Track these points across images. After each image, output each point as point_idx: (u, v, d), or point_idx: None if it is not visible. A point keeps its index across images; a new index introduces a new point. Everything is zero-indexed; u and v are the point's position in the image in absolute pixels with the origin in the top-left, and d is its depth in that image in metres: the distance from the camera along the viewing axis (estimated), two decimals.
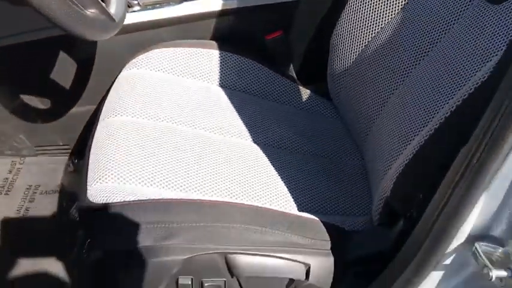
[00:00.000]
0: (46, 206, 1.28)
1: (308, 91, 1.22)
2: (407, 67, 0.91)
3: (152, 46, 1.16)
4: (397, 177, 0.78)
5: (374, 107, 0.99)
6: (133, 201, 0.80)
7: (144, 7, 1.16)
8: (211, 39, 1.21)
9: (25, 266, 1.14)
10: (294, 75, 1.28)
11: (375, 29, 1.03)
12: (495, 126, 0.53)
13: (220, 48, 1.18)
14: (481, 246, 0.62)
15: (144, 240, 0.79)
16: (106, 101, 1.05)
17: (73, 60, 1.23)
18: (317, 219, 0.88)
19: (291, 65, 1.27)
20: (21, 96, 1.28)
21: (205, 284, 0.84)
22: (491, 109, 0.54)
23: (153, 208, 0.81)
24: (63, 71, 1.24)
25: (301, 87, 1.22)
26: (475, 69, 0.71)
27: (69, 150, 1.39)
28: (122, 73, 1.12)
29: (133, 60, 1.14)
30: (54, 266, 1.12)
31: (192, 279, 0.83)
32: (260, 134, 1.07)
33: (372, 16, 1.03)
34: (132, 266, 0.81)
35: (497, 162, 0.54)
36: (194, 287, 0.84)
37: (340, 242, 0.87)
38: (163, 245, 0.79)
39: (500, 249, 0.61)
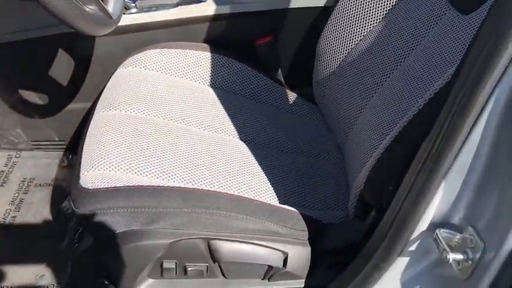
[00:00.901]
0: (40, 198, 1.32)
1: (294, 94, 1.28)
2: (385, 72, 0.97)
3: (147, 46, 1.21)
4: (369, 171, 0.84)
5: (355, 109, 1.05)
6: (121, 186, 0.85)
7: (141, 9, 1.22)
8: (204, 42, 1.27)
9: (18, 254, 1.18)
10: (282, 79, 1.34)
11: (357, 38, 1.09)
12: (451, 118, 0.59)
13: (212, 50, 1.24)
14: (441, 233, 0.67)
15: (131, 224, 0.84)
16: (101, 97, 1.10)
17: (71, 58, 1.28)
18: (297, 211, 0.94)
19: (279, 69, 1.33)
20: (20, 91, 1.34)
21: (189, 269, 0.88)
22: (448, 104, 0.60)
23: (140, 193, 0.85)
24: (61, 68, 1.29)
25: (288, 91, 1.28)
26: (438, 75, 0.78)
27: (64, 146, 1.44)
28: (117, 71, 1.17)
29: (129, 59, 1.19)
30: (46, 254, 1.16)
31: (176, 263, 0.88)
32: (246, 132, 1.12)
33: (354, 26, 1.10)
34: (118, 249, 0.85)
35: (454, 150, 0.60)
36: (178, 271, 0.89)
37: (317, 233, 0.92)
38: (148, 229, 0.84)
39: (458, 235, 0.66)
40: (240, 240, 0.87)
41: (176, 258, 0.87)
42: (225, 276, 0.92)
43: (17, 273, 1.12)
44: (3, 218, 1.26)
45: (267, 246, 0.88)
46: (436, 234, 0.68)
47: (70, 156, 1.44)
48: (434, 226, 0.69)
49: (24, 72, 1.31)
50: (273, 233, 0.88)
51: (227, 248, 0.87)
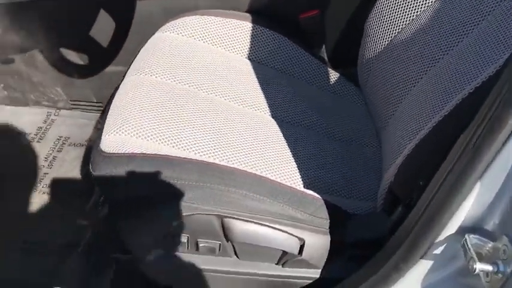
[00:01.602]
0: (72, 157, 1.34)
1: (337, 74, 1.21)
2: (433, 58, 0.88)
3: (187, 12, 1.17)
4: (402, 162, 0.76)
5: (397, 95, 0.97)
6: (138, 153, 0.83)
7: None
8: (246, 12, 1.21)
9: (45, 210, 1.20)
10: (325, 56, 1.26)
11: (409, 17, 1.01)
12: (493, 111, 0.51)
13: (254, 21, 1.18)
14: (471, 239, 0.60)
15: (146, 192, 0.81)
16: (135, 60, 1.08)
17: (112, 20, 1.27)
18: (320, 198, 0.88)
19: (323, 46, 1.25)
20: (61, 50, 1.34)
21: (200, 244, 0.85)
22: (491, 95, 0.52)
23: (158, 163, 0.83)
24: (102, 30, 1.28)
25: (330, 69, 1.20)
26: (488, 64, 0.69)
27: (102, 108, 1.45)
28: (154, 35, 1.14)
29: (167, 24, 1.16)
30: (71, 213, 1.17)
31: (188, 237, 0.85)
32: (279, 109, 1.06)
33: (405, 6, 1.01)
34: (131, 217, 0.83)
35: (493, 149, 0.52)
36: (190, 246, 0.86)
37: (340, 224, 0.86)
38: (165, 198, 0.81)
39: (490, 244, 0.59)
40: (256, 221, 0.82)
41: (188, 233, 0.84)
42: (237, 257, 0.88)
43: (41, 229, 1.14)
44: (34, 174, 1.28)
45: (283, 231, 0.83)
46: (465, 239, 0.60)
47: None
48: (463, 230, 0.61)
49: (67, 31, 1.31)
50: (291, 217, 0.83)
51: (241, 228, 0.83)
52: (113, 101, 0.97)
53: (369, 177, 0.98)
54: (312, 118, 1.08)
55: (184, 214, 0.81)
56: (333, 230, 0.86)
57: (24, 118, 1.44)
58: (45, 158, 1.33)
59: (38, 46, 1.33)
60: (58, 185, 1.26)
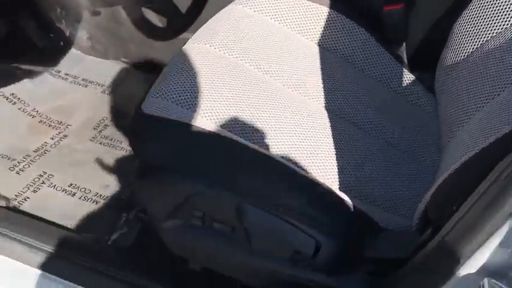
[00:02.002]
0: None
1: (412, 77, 1.10)
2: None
3: None
4: (441, 183, 0.67)
5: (467, 110, 0.86)
6: (171, 119, 0.81)
7: None
8: None
9: (96, 161, 1.24)
10: (403, 56, 1.16)
11: (501, 25, 0.89)
12: None
13: (332, 6, 1.11)
14: (490, 284, 0.51)
15: (172, 159, 0.80)
16: (200, 29, 1.07)
17: None
18: (351, 203, 0.81)
19: (403, 45, 1.15)
20: (144, 10, 1.37)
21: (215, 224, 0.82)
22: None
23: (190, 134, 0.81)
24: None
25: (405, 71, 1.10)
26: None
27: None
28: (227, 7, 1.12)
29: None
30: (119, 166, 1.20)
31: (204, 213, 0.82)
32: (337, 103, 0.99)
33: (501, 11, 0.89)
34: (152, 180, 0.83)
35: None
36: (205, 222, 0.84)
37: (365, 235, 0.79)
38: (185, 169, 0.79)
39: None
40: (273, 212, 0.78)
41: (205, 209, 0.82)
42: (250, 244, 0.84)
43: (88, 176, 1.18)
44: (97, 124, 1.33)
45: (300, 228, 0.77)
46: (483, 284, 0.51)
47: None
48: (484, 272, 0.52)
49: None
50: (312, 217, 0.77)
51: (257, 215, 0.79)
52: (167, 66, 0.97)
53: (411, 193, 0.88)
54: (371, 119, 1.00)
55: (202, 189, 0.79)
56: (357, 240, 0.78)
57: (102, 70, 1.50)
58: (111, 110, 1.38)
59: (123, 2, 1.37)
60: (114, 139, 1.30)
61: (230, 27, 1.05)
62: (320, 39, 1.10)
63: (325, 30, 1.10)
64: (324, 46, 1.09)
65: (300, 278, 0.81)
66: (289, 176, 0.80)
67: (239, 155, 0.81)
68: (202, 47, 1.00)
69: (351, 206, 0.81)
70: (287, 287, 0.84)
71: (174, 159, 0.81)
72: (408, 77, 1.11)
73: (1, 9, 1.33)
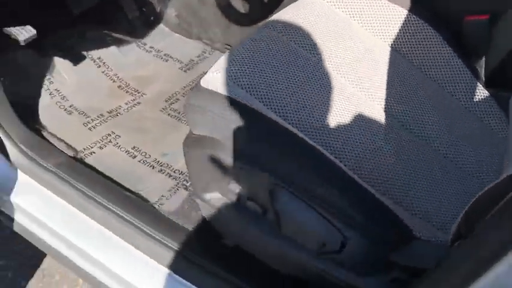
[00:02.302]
0: None
1: (486, 94, 1.05)
2: None
3: None
4: (478, 197, 0.64)
5: None
6: (223, 94, 0.84)
7: None
8: None
9: (165, 135, 1.31)
10: (482, 72, 1.10)
11: None
12: None
13: (411, 9, 1.08)
14: None
15: (213, 131, 0.83)
16: (275, 15, 1.08)
17: None
18: (390, 208, 0.79)
19: (483, 59, 1.09)
20: None
21: (248, 202, 0.84)
22: None
23: (233, 107, 0.83)
24: None
25: (480, 86, 1.05)
26: None
27: None
28: None
29: None
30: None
31: (240, 189, 0.85)
32: (401, 110, 0.96)
33: None
34: (197, 151, 0.86)
35: None
36: (241, 199, 0.86)
37: (397, 241, 0.77)
38: (224, 143, 0.82)
39: None
40: (305, 199, 0.78)
41: (241, 185, 0.84)
42: (280, 229, 0.85)
43: (150, 142, 1.25)
44: (169, 97, 1.40)
45: (330, 221, 0.77)
46: None
47: None
48: None
49: None
50: (346, 214, 0.77)
51: (288, 200, 0.79)
52: (235, 46, 1.00)
53: (457, 210, 0.84)
54: (433, 131, 0.96)
55: (241, 165, 0.81)
56: (387, 244, 0.77)
57: (184, 48, 1.57)
58: (184, 86, 1.45)
59: None
60: (182, 113, 1.36)
61: (302, 17, 1.05)
62: (394, 41, 1.07)
63: (401, 33, 1.08)
64: (397, 49, 1.07)
65: (322, 271, 0.81)
66: (330, 170, 0.80)
67: (283, 140, 0.82)
68: (271, 32, 1.02)
69: (389, 210, 0.79)
70: (309, 277, 0.84)
71: (219, 133, 0.84)
72: (483, 93, 1.05)
73: None
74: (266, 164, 0.80)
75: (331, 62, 0.98)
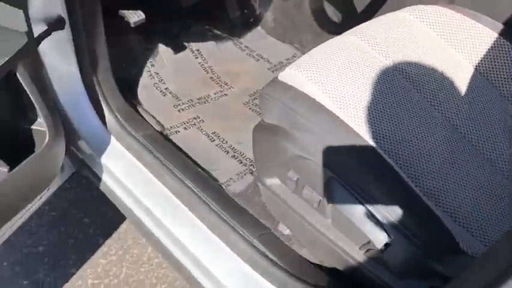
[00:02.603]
0: None
1: None
2: None
3: (438, 3, 1.14)
4: None
5: None
6: (294, 87, 0.90)
7: None
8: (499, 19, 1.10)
9: (238, 121, 1.40)
10: None
11: None
12: None
13: (504, 35, 1.07)
14: None
15: (281, 120, 0.90)
16: (364, 24, 1.11)
17: None
18: (440, 217, 0.80)
19: None
20: (325, 3, 1.48)
21: (304, 190, 0.90)
22: None
23: (303, 102, 0.88)
24: None
25: None
26: None
27: None
28: (394, 12, 1.16)
29: (412, 7, 1.15)
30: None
31: (298, 178, 0.90)
32: (476, 132, 0.95)
33: None
34: (263, 137, 0.93)
35: None
36: (297, 187, 0.92)
37: (442, 251, 0.78)
38: (290, 132, 0.88)
39: None
40: (358, 197, 0.82)
41: (299, 174, 0.90)
42: (331, 221, 0.89)
43: (229, 130, 1.35)
44: (254, 93, 1.50)
45: (378, 221, 0.80)
46: None
47: None
48: None
49: None
50: (393, 214, 0.79)
51: (343, 196, 0.84)
52: (318, 47, 1.05)
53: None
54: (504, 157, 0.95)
55: (300, 154, 0.87)
56: (431, 252, 0.78)
57: (276, 51, 1.66)
58: None
59: None
60: None
61: (391, 31, 1.08)
62: (479, 63, 1.07)
63: (489, 56, 1.07)
64: (481, 71, 1.06)
65: (363, 267, 0.84)
66: (385, 172, 0.83)
67: (346, 137, 0.86)
68: (355, 40, 1.06)
69: (438, 220, 0.80)
70: (350, 273, 0.88)
71: (286, 122, 0.90)
72: None
73: None
74: (325, 157, 0.85)
75: (413, 77, 0.99)
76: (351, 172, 0.83)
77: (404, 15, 1.13)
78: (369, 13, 1.36)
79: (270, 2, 1.68)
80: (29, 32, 0.94)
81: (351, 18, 1.42)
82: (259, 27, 1.74)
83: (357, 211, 0.83)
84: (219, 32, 1.68)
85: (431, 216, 0.80)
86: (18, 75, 0.92)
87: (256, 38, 1.72)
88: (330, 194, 0.85)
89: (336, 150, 0.84)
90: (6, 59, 0.88)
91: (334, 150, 0.85)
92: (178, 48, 1.57)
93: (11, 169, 0.92)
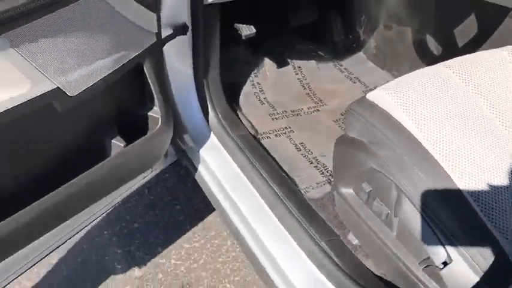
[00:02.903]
0: None
1: None
2: None
3: None
4: None
5: None
6: (379, 106, 0.97)
7: None
8: None
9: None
10: None
11: None
12: None
13: None
14: None
15: (361, 134, 0.97)
16: (458, 57, 1.14)
17: None
18: (503, 248, 0.83)
19: None
20: (428, 35, 1.53)
21: (375, 203, 0.96)
22: None
23: (386, 121, 0.94)
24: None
25: None
26: None
27: None
28: (497, 49, 1.17)
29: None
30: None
31: (370, 190, 0.97)
32: None
33: None
34: (343, 147, 1.02)
35: None
36: (369, 199, 0.99)
37: (499, 280, 0.80)
38: (368, 147, 0.95)
39: None
40: (425, 217, 0.87)
41: (372, 186, 0.96)
42: (396, 235, 0.95)
43: (316, 143, 1.44)
44: (345, 112, 1.57)
45: (440, 240, 0.85)
46: None
47: None
48: None
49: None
50: (456, 236, 0.83)
51: (411, 212, 0.89)
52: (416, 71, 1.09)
53: None
54: None
55: (375, 167, 0.94)
56: (491, 278, 0.81)
57: (374, 76, 1.73)
58: None
59: (411, 24, 1.56)
60: None
61: (487, 67, 1.11)
62: None
63: None
64: None
65: (422, 283, 0.89)
66: (453, 196, 0.87)
67: (422, 162, 0.90)
68: (448, 72, 1.11)
69: (503, 253, 0.82)
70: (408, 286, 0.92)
71: (366, 137, 0.97)
72: None
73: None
74: (399, 174, 0.91)
75: (503, 120, 1.00)
76: (422, 194, 0.88)
77: (505, 55, 1.15)
78: (470, 48, 1.39)
79: (374, 29, 1.76)
80: (158, 33, 1.12)
81: (451, 52, 1.45)
82: (360, 53, 1.83)
83: (422, 229, 0.88)
84: (321, 53, 1.79)
85: (497, 248, 0.82)
86: (144, 68, 1.10)
87: (357, 62, 1.80)
88: (398, 209, 0.91)
89: (410, 171, 0.90)
90: (138, 53, 1.06)
91: (408, 170, 0.91)
92: (281, 63, 1.71)
93: (126, 145, 1.10)
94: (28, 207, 0.94)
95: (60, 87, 0.87)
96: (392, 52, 1.70)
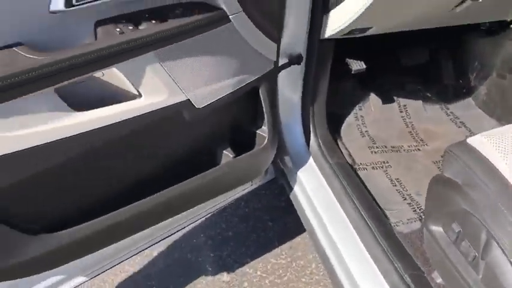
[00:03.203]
0: None
1: None
2: None
3: None
4: None
5: None
6: (484, 156, 0.99)
7: None
8: None
9: None
10: None
11: None
12: None
13: None
14: None
15: (456, 175, 1.00)
16: None
17: None
18: None
19: None
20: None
21: (463, 243, 0.98)
22: None
23: (484, 167, 0.96)
24: None
25: None
26: None
27: None
28: None
29: None
30: None
31: (460, 231, 0.99)
32: None
33: None
34: (438, 188, 1.05)
35: None
36: (458, 239, 1.01)
37: None
38: (465, 189, 0.98)
39: None
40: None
41: (462, 227, 0.99)
42: (481, 278, 0.96)
43: (411, 181, 1.47)
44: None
45: None
46: None
47: None
48: None
49: None
50: None
51: (497, 257, 0.90)
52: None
53: None
54: None
55: (468, 210, 0.96)
56: None
57: (481, 123, 1.72)
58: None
59: None
60: None
61: None
62: None
63: None
64: None
65: None
66: None
67: None
68: None
69: None
70: None
71: (462, 179, 1.00)
72: None
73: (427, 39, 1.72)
74: (491, 220, 0.93)
75: None
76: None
77: None
78: None
79: (486, 77, 1.75)
80: (276, 62, 1.25)
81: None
82: (469, 98, 1.82)
83: (508, 273, 0.89)
84: (429, 94, 1.82)
85: None
86: (260, 91, 1.23)
87: (465, 107, 1.80)
88: (486, 253, 0.93)
89: (503, 217, 0.91)
90: (256, 77, 1.20)
91: (501, 216, 0.92)
92: (387, 100, 1.76)
93: (235, 157, 1.23)
94: (147, 198, 1.10)
95: (190, 100, 1.03)
96: (504, 101, 1.68)
